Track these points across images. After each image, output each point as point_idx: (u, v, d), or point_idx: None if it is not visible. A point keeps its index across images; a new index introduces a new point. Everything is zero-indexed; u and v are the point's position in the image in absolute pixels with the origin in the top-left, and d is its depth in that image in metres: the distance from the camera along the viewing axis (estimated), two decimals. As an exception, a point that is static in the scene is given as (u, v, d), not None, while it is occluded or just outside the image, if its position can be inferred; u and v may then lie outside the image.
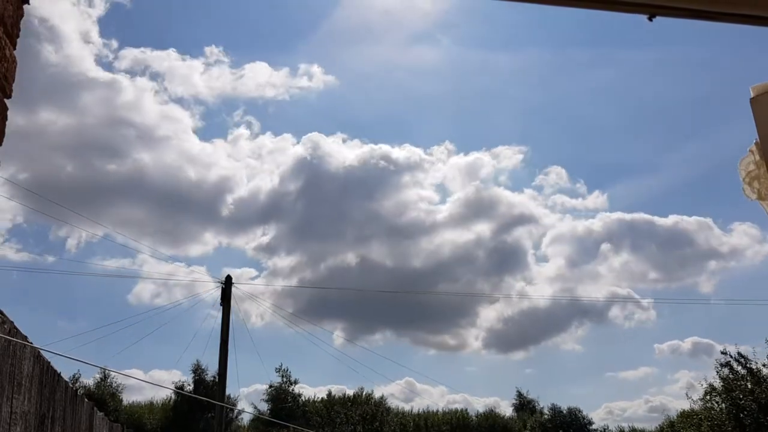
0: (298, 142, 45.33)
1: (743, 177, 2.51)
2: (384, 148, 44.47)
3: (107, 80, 40.65)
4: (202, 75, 45.50)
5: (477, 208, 45.56)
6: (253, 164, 46.22)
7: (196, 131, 45.56)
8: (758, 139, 2.42)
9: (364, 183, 43.28)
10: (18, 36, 1.82)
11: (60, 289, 42.50)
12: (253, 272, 41.74)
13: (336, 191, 43.25)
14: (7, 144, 1.73)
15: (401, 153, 44.58)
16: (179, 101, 47.10)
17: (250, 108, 48.93)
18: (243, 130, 45.82)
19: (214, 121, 46.83)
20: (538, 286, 43.79)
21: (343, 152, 44.39)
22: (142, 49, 44.82)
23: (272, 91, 45.85)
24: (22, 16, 1.84)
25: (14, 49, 1.80)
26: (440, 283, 41.45)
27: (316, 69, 46.53)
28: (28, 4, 1.88)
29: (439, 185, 44.99)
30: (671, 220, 44.04)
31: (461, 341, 43.98)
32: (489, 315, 43.77)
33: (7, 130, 1.76)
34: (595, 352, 46.95)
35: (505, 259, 44.28)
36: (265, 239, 43.05)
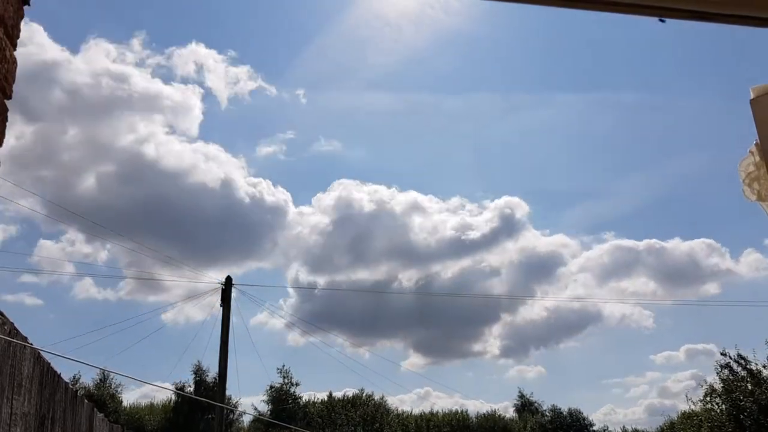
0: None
1: (743, 178, 2.50)
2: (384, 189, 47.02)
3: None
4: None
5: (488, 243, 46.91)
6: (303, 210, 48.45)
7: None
8: (758, 140, 2.41)
9: (388, 219, 45.90)
10: (18, 37, 1.82)
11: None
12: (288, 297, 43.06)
13: (365, 226, 45.62)
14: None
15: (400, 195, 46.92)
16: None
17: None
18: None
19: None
20: (559, 300, 44.94)
21: (359, 193, 46.55)
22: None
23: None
24: (22, 17, 1.84)
25: (14, 50, 1.80)
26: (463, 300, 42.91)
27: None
28: (29, 5, 1.88)
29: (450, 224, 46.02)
30: (673, 242, 45.64)
31: (480, 350, 45.65)
32: (508, 324, 45.50)
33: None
34: (599, 356, 47.92)
35: (525, 279, 45.77)
36: (300, 269, 45.21)
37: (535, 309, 45.26)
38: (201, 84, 47.55)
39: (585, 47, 52.17)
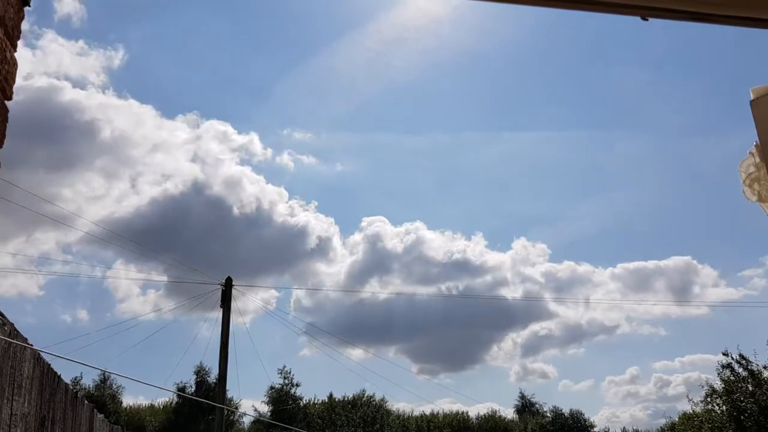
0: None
1: (743, 179, 2.50)
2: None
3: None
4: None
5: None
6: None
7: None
8: (758, 142, 2.42)
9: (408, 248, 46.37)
10: (18, 38, 1.82)
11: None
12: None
13: (392, 254, 46.24)
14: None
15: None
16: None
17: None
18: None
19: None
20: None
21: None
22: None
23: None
24: (23, 18, 1.85)
25: (15, 51, 1.80)
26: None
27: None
28: (29, 6, 1.88)
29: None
30: (667, 261, 46.95)
31: (495, 358, 46.50)
32: (522, 334, 46.53)
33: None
34: (604, 359, 48.65)
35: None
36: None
37: (550, 322, 46.35)
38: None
39: (526, 90, 55.62)
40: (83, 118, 40.35)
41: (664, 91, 51.37)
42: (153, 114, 48.26)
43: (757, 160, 2.45)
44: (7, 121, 1.77)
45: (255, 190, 44.83)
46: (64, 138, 40.32)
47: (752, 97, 2.40)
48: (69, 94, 40.60)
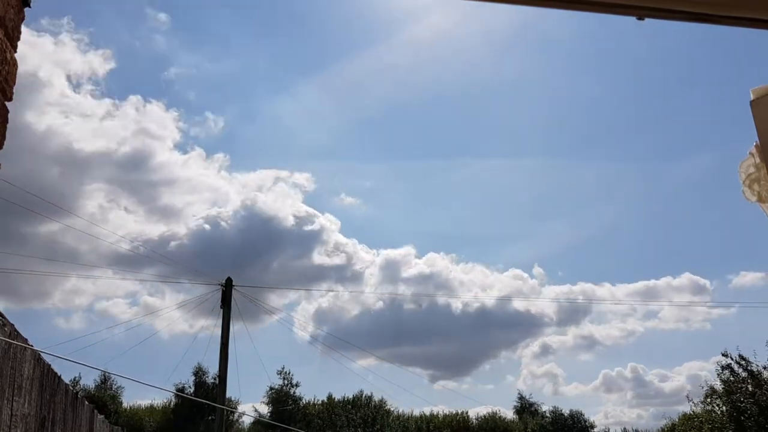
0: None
1: (743, 179, 2.50)
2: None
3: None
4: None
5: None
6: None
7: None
8: (758, 142, 2.42)
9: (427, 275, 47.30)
10: (19, 39, 1.82)
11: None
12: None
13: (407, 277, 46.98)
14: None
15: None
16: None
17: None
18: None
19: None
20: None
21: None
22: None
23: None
24: (23, 19, 1.85)
25: (15, 51, 1.80)
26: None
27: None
28: (29, 6, 1.88)
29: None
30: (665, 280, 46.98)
31: (509, 361, 47.62)
32: (535, 341, 47.12)
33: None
34: (605, 361, 49.07)
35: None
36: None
37: (558, 329, 46.76)
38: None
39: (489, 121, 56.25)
40: (175, 173, 46.88)
41: (660, 93, 51.57)
42: (230, 167, 51.51)
43: (757, 160, 2.45)
44: (7, 122, 1.77)
45: (292, 220, 46.19)
46: (157, 188, 45.23)
47: (752, 97, 2.41)
48: (167, 153, 45.29)
